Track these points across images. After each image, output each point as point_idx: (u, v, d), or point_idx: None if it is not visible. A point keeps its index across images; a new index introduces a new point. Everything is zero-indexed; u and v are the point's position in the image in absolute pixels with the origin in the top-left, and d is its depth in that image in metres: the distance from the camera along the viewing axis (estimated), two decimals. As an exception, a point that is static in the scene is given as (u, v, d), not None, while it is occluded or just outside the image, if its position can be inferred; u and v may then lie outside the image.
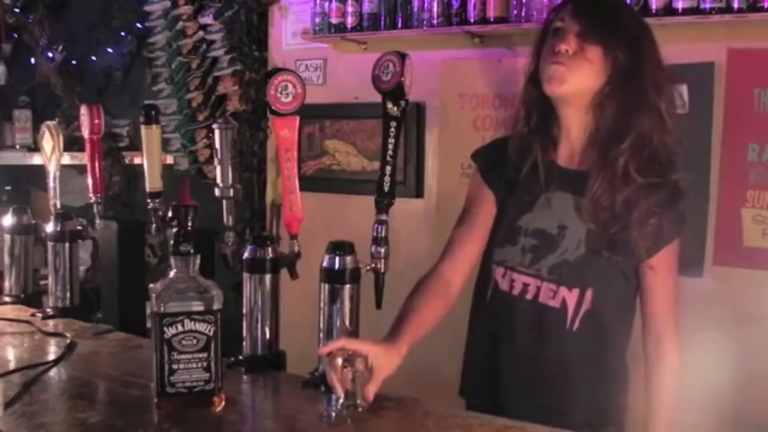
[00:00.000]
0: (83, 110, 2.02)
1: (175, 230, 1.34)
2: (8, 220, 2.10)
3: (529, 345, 1.63)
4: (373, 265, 1.53)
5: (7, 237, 2.10)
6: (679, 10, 2.23)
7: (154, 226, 1.91)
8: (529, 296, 1.62)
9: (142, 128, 1.88)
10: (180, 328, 1.29)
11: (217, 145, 1.65)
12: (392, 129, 1.52)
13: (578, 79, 1.55)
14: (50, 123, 2.09)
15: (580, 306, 1.59)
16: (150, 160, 1.89)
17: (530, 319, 1.62)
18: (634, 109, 1.55)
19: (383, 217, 1.54)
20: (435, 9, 2.62)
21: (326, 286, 1.48)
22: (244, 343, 1.58)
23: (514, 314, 1.65)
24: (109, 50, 3.90)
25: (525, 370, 1.65)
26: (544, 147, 1.64)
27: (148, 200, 1.90)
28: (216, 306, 1.31)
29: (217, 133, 1.65)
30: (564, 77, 1.55)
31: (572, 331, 1.59)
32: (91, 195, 2.03)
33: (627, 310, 1.66)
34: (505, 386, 1.67)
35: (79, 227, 2.03)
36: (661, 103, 1.57)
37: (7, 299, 2.09)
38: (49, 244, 2.00)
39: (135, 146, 3.76)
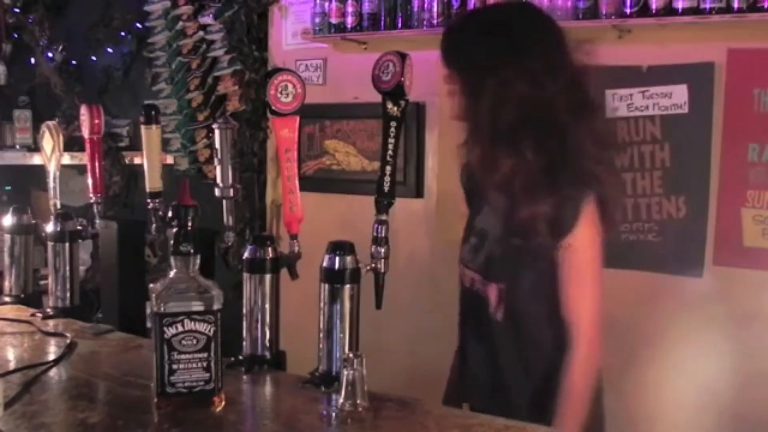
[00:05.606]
0: (83, 110, 2.01)
1: (175, 230, 1.34)
2: (8, 220, 2.10)
3: (473, 333, 1.79)
4: (373, 265, 1.53)
5: (7, 237, 2.10)
6: (679, 10, 2.24)
7: (154, 226, 1.91)
8: (474, 288, 1.75)
9: (142, 128, 1.88)
10: (180, 328, 1.29)
11: (217, 145, 1.65)
12: (392, 129, 1.52)
13: None
14: (50, 123, 2.08)
15: (500, 297, 1.68)
16: (150, 160, 1.89)
17: (474, 310, 1.76)
18: None
19: (383, 217, 1.54)
20: (435, 9, 2.62)
21: (326, 286, 1.48)
22: (244, 343, 1.58)
23: (466, 306, 1.80)
24: (109, 50, 3.90)
25: (472, 355, 1.80)
26: None
27: (148, 200, 1.90)
28: (216, 306, 1.31)
29: (217, 133, 1.65)
30: None
31: (497, 320, 1.69)
32: (91, 195, 2.03)
33: (545, 298, 1.65)
34: (466, 370, 1.82)
35: (79, 227, 2.03)
36: None
37: (7, 299, 2.09)
38: (49, 244, 1.99)
39: (135, 146, 3.76)
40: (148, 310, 1.85)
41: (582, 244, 1.59)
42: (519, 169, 1.57)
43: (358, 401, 1.31)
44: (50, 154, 2.06)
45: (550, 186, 1.56)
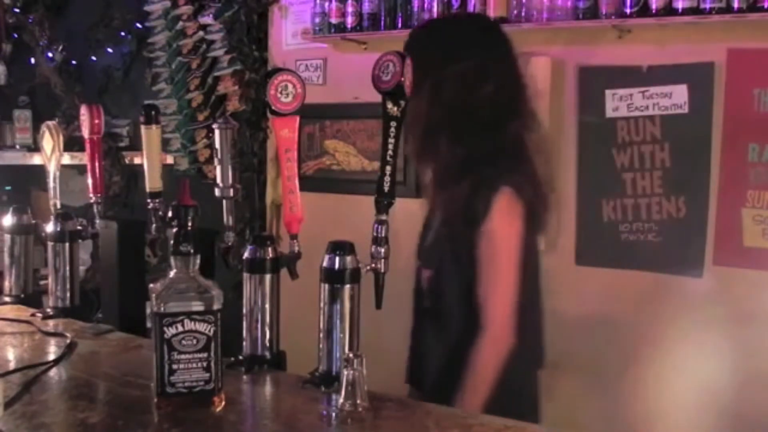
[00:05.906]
0: (83, 110, 2.01)
1: (175, 230, 1.34)
2: (8, 220, 2.10)
3: (416, 321, 1.89)
4: (373, 265, 1.53)
5: (7, 237, 2.10)
6: (679, 10, 2.24)
7: (154, 226, 1.91)
8: (419, 278, 1.87)
9: (142, 128, 1.88)
10: (180, 328, 1.29)
11: (217, 145, 1.65)
12: (392, 129, 1.52)
13: None
14: (50, 123, 2.08)
15: (430, 285, 1.82)
16: (150, 160, 1.89)
17: (418, 299, 1.88)
18: None
19: (383, 217, 1.54)
20: (435, 9, 2.62)
21: (326, 286, 1.47)
22: (244, 343, 1.58)
23: (414, 296, 1.90)
24: (109, 50, 3.90)
25: (414, 342, 1.91)
26: None
27: (148, 200, 1.90)
28: (216, 306, 1.31)
29: (217, 133, 1.65)
30: None
31: (426, 305, 1.83)
32: (91, 195, 2.03)
33: (463, 284, 1.73)
34: (411, 357, 1.94)
35: (79, 227, 2.03)
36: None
37: (7, 299, 2.09)
38: (49, 244, 1.99)
39: (135, 146, 3.76)
40: (148, 310, 1.85)
41: (496, 234, 1.68)
42: (439, 160, 1.75)
43: (358, 401, 1.31)
44: (50, 154, 2.06)
45: (464, 177, 1.69)
